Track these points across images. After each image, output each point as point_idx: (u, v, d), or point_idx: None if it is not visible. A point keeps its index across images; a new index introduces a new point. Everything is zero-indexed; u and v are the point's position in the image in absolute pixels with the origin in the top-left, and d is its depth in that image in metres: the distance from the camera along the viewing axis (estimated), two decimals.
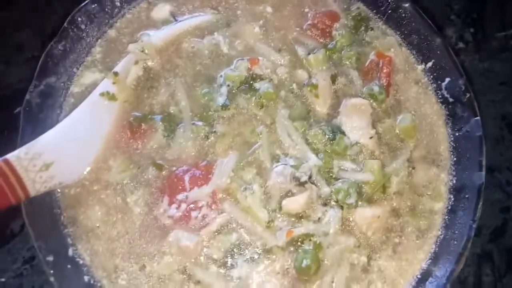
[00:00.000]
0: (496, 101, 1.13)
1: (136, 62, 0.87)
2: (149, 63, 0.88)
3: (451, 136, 0.87)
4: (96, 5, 0.88)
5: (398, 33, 0.94)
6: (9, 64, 1.08)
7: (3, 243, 0.92)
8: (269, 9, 0.97)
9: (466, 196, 0.80)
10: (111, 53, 0.90)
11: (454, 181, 0.84)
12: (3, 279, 0.90)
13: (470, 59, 1.16)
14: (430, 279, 0.77)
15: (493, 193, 1.04)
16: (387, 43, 0.94)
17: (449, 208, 0.82)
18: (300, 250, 0.76)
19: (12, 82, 1.05)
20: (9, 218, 0.93)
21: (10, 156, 0.70)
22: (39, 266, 0.67)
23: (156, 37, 0.90)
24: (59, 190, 0.77)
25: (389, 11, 0.94)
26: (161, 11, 0.96)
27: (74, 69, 0.87)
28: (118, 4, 0.92)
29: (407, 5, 0.92)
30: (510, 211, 1.02)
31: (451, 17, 1.21)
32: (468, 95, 0.85)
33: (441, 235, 0.81)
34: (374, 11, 0.96)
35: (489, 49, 1.18)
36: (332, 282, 0.76)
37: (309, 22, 0.94)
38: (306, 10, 0.94)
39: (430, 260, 0.79)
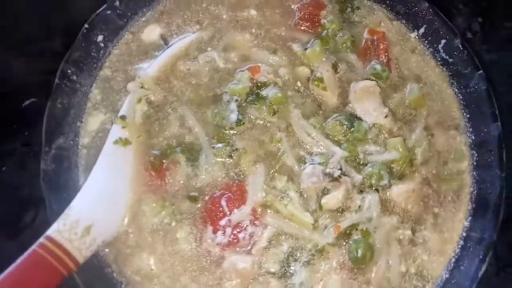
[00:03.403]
0: (502, 93, 1.08)
1: (139, 100, 0.85)
2: (152, 98, 0.86)
3: (459, 95, 0.90)
4: (80, 52, 0.85)
5: (384, 6, 0.96)
6: (17, 56, 1.04)
7: (15, 235, 0.92)
8: (253, 12, 0.96)
9: (489, 148, 0.84)
10: (110, 92, 0.89)
11: (473, 137, 0.88)
12: None
13: (477, 49, 1.10)
14: (475, 234, 0.81)
15: None
16: (377, 19, 0.95)
17: (474, 164, 0.86)
18: (351, 242, 0.79)
19: (20, 74, 1.03)
20: (20, 210, 0.93)
21: (51, 232, 0.68)
22: None
23: (151, 68, 0.88)
24: (106, 250, 0.76)
25: None
26: (152, 33, 0.94)
27: (78, 123, 0.85)
28: (102, 45, 0.89)
29: None
30: None
31: (459, 6, 1.17)
32: (466, 51, 0.88)
33: (474, 191, 0.85)
34: None
35: (497, 39, 1.15)
36: (388, 262, 0.79)
37: (297, 16, 0.93)
38: (292, 6, 0.93)
39: (470, 217, 0.83)
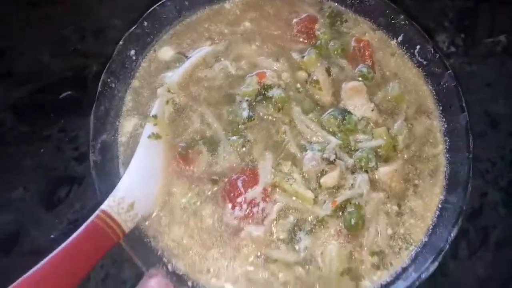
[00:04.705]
0: (481, 101, 1.28)
1: (167, 102, 1.01)
2: (177, 100, 1.03)
3: (433, 91, 1.07)
4: (116, 64, 1.02)
5: (368, 19, 1.13)
6: (54, 55, 1.27)
7: (51, 207, 1.11)
8: (247, 24, 1.13)
9: (459, 134, 1.00)
10: (140, 100, 1.04)
11: (446, 126, 1.04)
12: (52, 236, 1.09)
13: (459, 62, 1.32)
14: (448, 205, 0.97)
15: (473, 180, 1.18)
16: (362, 29, 1.12)
17: (447, 148, 1.02)
18: (345, 213, 0.93)
19: (57, 70, 1.25)
20: (56, 187, 1.13)
21: (104, 206, 0.84)
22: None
23: (175, 76, 1.04)
24: (147, 223, 0.93)
25: (356, 2, 1.13)
26: (166, 52, 1.11)
27: (117, 123, 1.01)
28: (134, 58, 1.06)
29: None
30: (487, 196, 1.18)
31: (444, 24, 1.38)
32: (437, 55, 1.05)
33: (447, 170, 1.01)
34: (343, 6, 1.15)
35: (477, 53, 1.34)
36: (377, 229, 0.95)
37: (295, 29, 1.11)
38: (293, 21, 1.11)
39: (445, 192, 0.99)
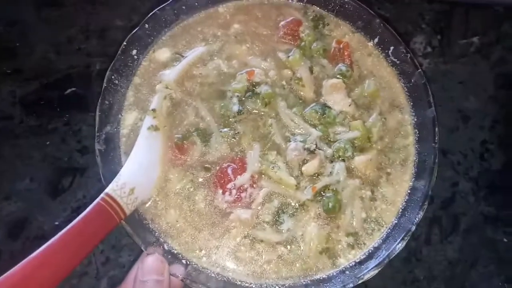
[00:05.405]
0: (454, 97, 1.41)
1: (165, 97, 1.11)
2: (173, 95, 1.13)
3: (405, 88, 1.17)
4: (120, 62, 1.12)
5: (347, 22, 1.23)
6: (60, 54, 1.37)
7: (56, 195, 1.21)
8: (236, 26, 1.22)
9: (427, 127, 1.10)
10: (140, 96, 1.14)
11: (416, 119, 1.14)
12: (56, 223, 1.20)
13: (435, 61, 1.44)
14: (416, 192, 1.08)
15: (445, 171, 1.33)
16: (342, 32, 1.22)
17: (416, 139, 1.12)
18: (324, 198, 1.02)
19: (63, 68, 1.35)
20: (60, 177, 1.24)
21: (108, 190, 0.94)
22: None
23: (172, 73, 1.14)
24: (146, 206, 1.02)
25: (337, 8, 1.23)
26: (163, 54, 1.20)
27: (119, 116, 1.11)
28: (135, 57, 1.15)
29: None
30: (458, 185, 1.31)
31: (422, 26, 1.48)
32: (408, 55, 1.15)
33: (416, 159, 1.11)
34: (326, 10, 1.24)
35: (452, 53, 1.45)
36: (352, 213, 1.06)
37: (281, 32, 1.21)
38: (280, 24, 1.22)
39: (413, 179, 1.09)
